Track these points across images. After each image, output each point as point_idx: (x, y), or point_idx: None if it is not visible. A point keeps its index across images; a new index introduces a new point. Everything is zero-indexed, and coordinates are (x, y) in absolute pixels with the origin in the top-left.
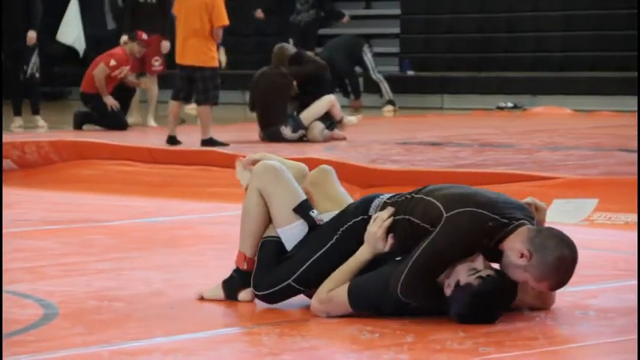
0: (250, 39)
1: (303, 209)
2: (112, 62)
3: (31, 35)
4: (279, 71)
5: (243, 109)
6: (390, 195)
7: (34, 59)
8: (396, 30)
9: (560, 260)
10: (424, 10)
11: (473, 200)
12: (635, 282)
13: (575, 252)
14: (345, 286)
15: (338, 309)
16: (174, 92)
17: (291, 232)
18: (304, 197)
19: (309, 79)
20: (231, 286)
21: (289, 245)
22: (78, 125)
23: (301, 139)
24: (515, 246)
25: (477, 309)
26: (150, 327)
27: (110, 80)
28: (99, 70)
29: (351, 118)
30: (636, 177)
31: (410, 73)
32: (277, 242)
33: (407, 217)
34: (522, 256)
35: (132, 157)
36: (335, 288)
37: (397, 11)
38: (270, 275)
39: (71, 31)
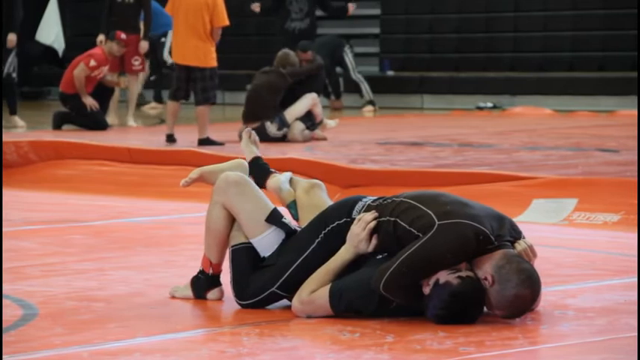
0: (227, 39)
1: (275, 218)
2: (92, 62)
3: (11, 38)
4: (277, 71)
5: (222, 109)
6: (375, 198)
7: (12, 59)
8: (376, 30)
9: (517, 298)
10: (404, 11)
11: (466, 212)
12: (612, 282)
13: (536, 292)
14: (327, 289)
15: (319, 310)
16: (172, 92)
17: (266, 240)
18: (273, 206)
19: (305, 77)
20: (199, 286)
21: (265, 252)
22: (57, 125)
23: (284, 137)
24: (484, 267)
25: (454, 308)
26: (130, 327)
27: (90, 80)
28: (79, 70)
29: (329, 122)
30: (616, 177)
31: (390, 73)
32: (248, 248)
33: (393, 219)
34: (486, 279)
35: (111, 157)
36: (317, 289)
37: (377, 11)
38: (253, 284)
39: (50, 31)
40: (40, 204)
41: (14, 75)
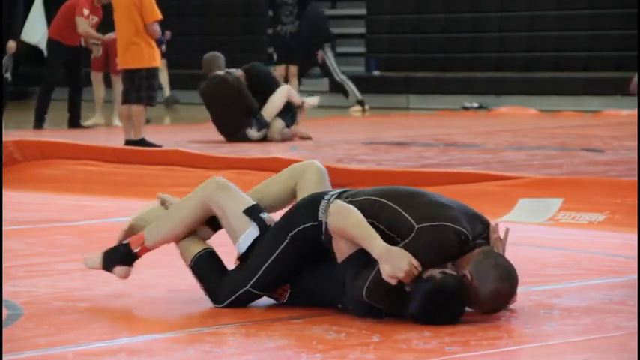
0: (215, 38)
1: (253, 212)
2: (85, 11)
3: (11, 45)
4: (220, 78)
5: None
6: (337, 192)
7: (6, 61)
8: (362, 30)
9: (496, 293)
10: (389, 11)
11: (444, 214)
12: (598, 281)
13: (514, 286)
14: (351, 246)
15: (342, 230)
16: (123, 96)
17: (248, 239)
18: (254, 202)
19: (253, 79)
20: (112, 258)
21: (243, 249)
22: (40, 117)
23: (266, 137)
24: (464, 266)
25: (435, 301)
26: (115, 327)
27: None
28: (82, 25)
29: (310, 99)
30: (601, 177)
31: (376, 73)
32: (203, 255)
33: (370, 220)
34: (464, 276)
35: (96, 157)
36: (349, 223)
37: (363, 11)
38: (227, 284)
39: (36, 32)
40: (25, 204)
41: (7, 76)
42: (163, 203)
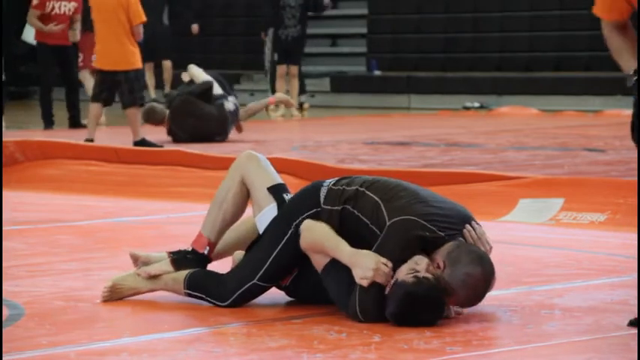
0: (215, 39)
1: (277, 190)
2: (34, 1)
3: None
4: (173, 111)
5: None
6: (334, 180)
7: None
8: (363, 30)
9: (469, 276)
10: (391, 10)
11: (416, 210)
12: (599, 281)
13: (489, 273)
14: (324, 259)
15: (311, 246)
16: (95, 94)
17: (266, 218)
18: (281, 181)
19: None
20: (184, 265)
21: (262, 229)
22: (47, 113)
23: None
24: (436, 258)
25: (407, 306)
26: (117, 327)
27: (49, 19)
28: (28, 16)
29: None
30: (602, 177)
31: (377, 72)
32: (195, 270)
33: (355, 212)
34: (438, 267)
35: (98, 156)
36: (315, 237)
37: (364, 11)
38: (231, 280)
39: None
40: (26, 204)
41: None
42: (135, 260)
